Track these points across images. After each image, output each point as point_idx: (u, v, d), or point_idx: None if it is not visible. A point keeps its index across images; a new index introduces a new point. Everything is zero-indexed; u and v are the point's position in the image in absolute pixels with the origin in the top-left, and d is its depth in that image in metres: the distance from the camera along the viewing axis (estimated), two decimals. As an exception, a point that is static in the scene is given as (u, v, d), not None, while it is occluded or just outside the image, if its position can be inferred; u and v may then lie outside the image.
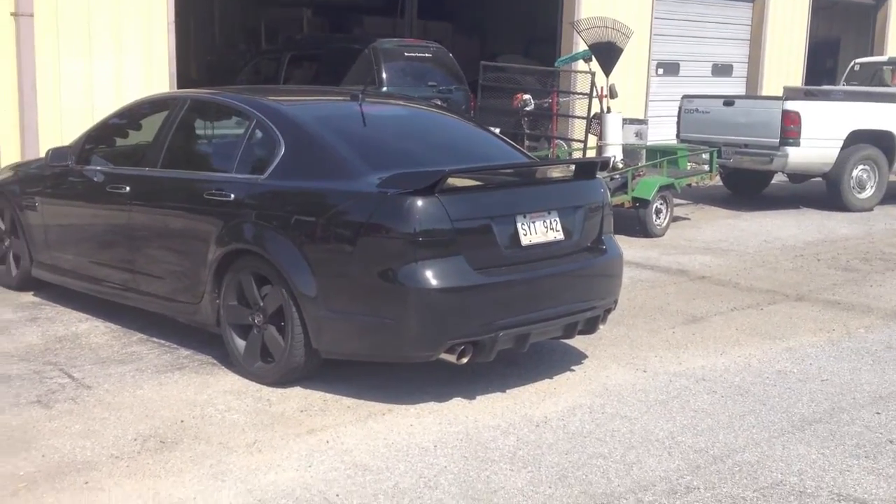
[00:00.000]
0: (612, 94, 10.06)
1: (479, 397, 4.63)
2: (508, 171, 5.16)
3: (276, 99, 5.59)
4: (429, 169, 4.55)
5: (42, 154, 8.16)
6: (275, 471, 3.80)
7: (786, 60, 16.47)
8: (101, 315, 5.99)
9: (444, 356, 4.42)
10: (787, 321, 6.21)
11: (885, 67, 13.90)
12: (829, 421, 4.40)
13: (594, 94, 10.03)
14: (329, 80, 10.84)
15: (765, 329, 6.00)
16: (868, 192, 11.36)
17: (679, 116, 12.03)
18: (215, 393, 4.69)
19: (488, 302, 4.46)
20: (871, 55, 17.03)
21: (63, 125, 8.58)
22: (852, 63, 14.14)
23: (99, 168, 5.92)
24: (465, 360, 4.46)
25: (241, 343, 4.91)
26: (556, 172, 5.58)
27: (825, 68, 19.21)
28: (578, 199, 4.99)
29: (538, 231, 4.69)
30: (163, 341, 5.49)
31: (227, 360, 5.11)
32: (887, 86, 13.16)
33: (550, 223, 4.75)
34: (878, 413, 4.52)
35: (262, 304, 4.76)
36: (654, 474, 3.79)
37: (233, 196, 4.91)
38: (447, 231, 4.34)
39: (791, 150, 10.77)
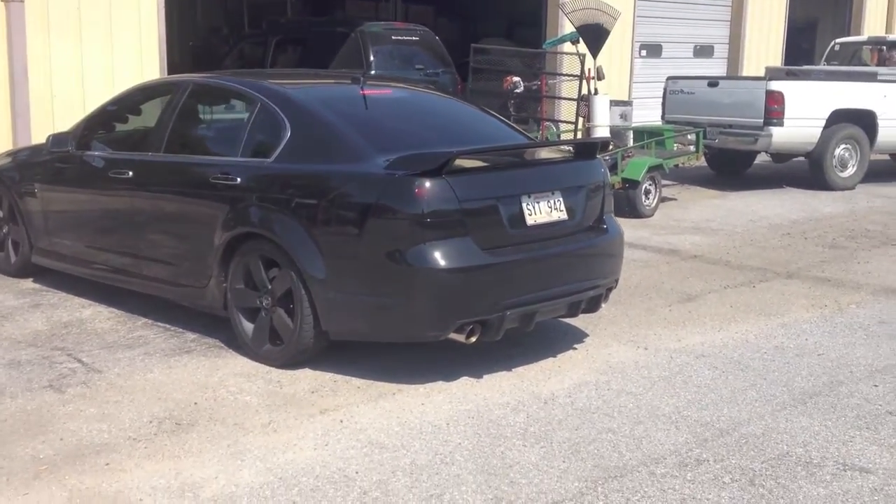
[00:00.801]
0: (600, 75, 10.15)
1: (486, 376, 4.71)
2: (513, 151, 5.20)
3: (279, 82, 5.60)
4: (434, 150, 4.61)
5: (35, 140, 8.14)
6: (292, 450, 3.86)
7: (765, 41, 16.63)
8: (103, 300, 6.01)
9: (453, 336, 4.49)
10: (780, 298, 6.34)
11: (864, 47, 14.08)
12: (829, 394, 4.53)
13: (583, 75, 10.10)
14: (316, 63, 10.83)
15: (759, 306, 6.13)
16: (850, 171, 11.53)
17: (664, 98, 12.14)
18: (226, 375, 4.74)
19: (496, 281, 4.52)
20: (848, 36, 17.22)
21: (55, 111, 8.55)
22: (832, 43, 14.32)
23: (100, 153, 5.91)
24: (473, 340, 4.53)
25: (249, 326, 4.94)
26: (556, 153, 5.64)
27: (802, 49, 19.39)
28: (581, 179, 5.05)
29: (542, 211, 4.75)
30: (168, 325, 5.52)
31: (234, 343, 5.16)
32: (867, 65, 13.32)
33: (554, 203, 4.81)
34: (875, 385, 4.66)
35: (269, 286, 4.79)
36: (664, 448, 3.90)
37: (239, 180, 4.94)
38: (455, 212, 4.40)
39: (775, 130, 10.91)
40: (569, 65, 11.00)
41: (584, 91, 10.19)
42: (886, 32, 18.48)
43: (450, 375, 4.69)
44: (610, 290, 5.21)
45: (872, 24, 18.75)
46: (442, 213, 4.37)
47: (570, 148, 5.63)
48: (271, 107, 5.05)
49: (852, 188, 11.47)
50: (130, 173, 5.53)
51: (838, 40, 14.44)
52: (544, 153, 5.64)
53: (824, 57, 14.24)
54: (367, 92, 5.32)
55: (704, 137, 10.75)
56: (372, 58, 10.65)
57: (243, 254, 4.92)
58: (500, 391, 4.52)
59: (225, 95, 5.73)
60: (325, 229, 4.60)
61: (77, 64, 8.73)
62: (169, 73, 9.19)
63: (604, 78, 10.33)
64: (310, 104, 5.08)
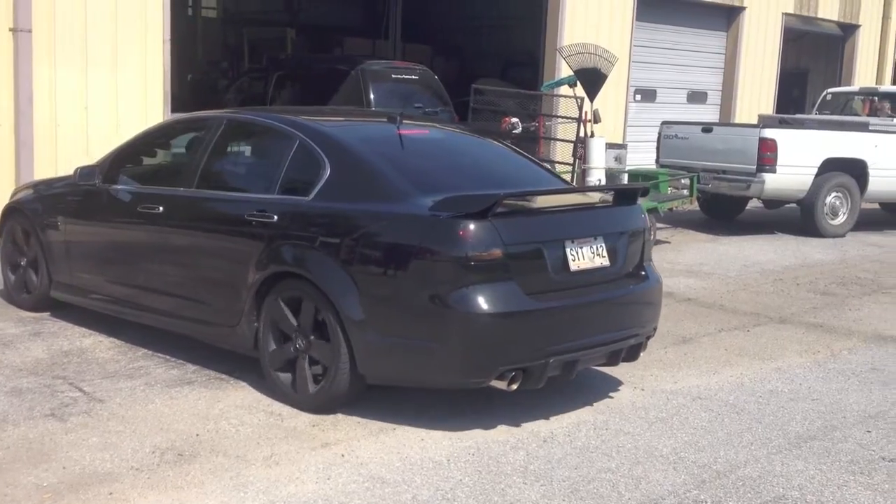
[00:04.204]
0: (596, 118, 10.31)
1: (485, 413, 4.75)
2: (555, 195, 5.14)
3: (317, 120, 5.53)
4: (476, 192, 4.54)
5: (39, 170, 8.21)
6: (294, 483, 3.89)
7: (758, 89, 16.92)
8: (103, 330, 6.03)
9: (494, 383, 4.39)
10: (774, 342, 6.42)
11: (856, 97, 14.33)
12: (824, 438, 4.59)
13: (580, 119, 10.26)
14: (317, 100, 10.97)
15: (753, 350, 6.20)
16: (841, 219, 11.70)
17: (659, 142, 12.31)
18: (227, 407, 4.76)
19: (540, 328, 4.43)
20: (839, 85, 17.53)
21: (58, 141, 8.61)
22: (824, 93, 14.58)
23: (129, 187, 5.82)
24: (514, 387, 4.42)
25: (286, 377, 4.81)
26: (595, 198, 5.47)
27: (793, 97, 19.72)
28: (622, 225, 4.98)
29: (585, 256, 4.67)
30: (168, 357, 5.55)
31: (235, 374, 5.21)
32: (859, 115, 13.56)
33: (597, 249, 4.73)
34: (868, 431, 4.72)
35: (302, 327, 4.68)
36: (662, 488, 3.94)
37: (276, 217, 4.83)
38: (500, 255, 4.30)
39: (767, 177, 11.08)
40: (565, 107, 11.18)
41: (581, 133, 10.35)
42: (877, 83, 18.83)
43: (448, 412, 4.73)
44: (648, 338, 5.12)
45: (863, 75, 19.12)
46: (487, 256, 4.28)
47: (610, 193, 5.44)
48: (309, 144, 4.98)
49: (843, 236, 11.62)
50: (161, 208, 5.43)
51: (830, 90, 14.72)
52: (585, 198, 5.53)
53: (816, 106, 14.50)
54: (404, 132, 5.21)
55: (698, 182, 10.90)
56: (372, 95, 10.79)
57: (278, 293, 4.79)
58: (499, 429, 4.56)
59: (260, 132, 5.59)
60: (365, 270, 4.49)
61: (81, 94, 8.80)
62: (171, 106, 9.30)
63: (600, 121, 10.50)
64: (349, 143, 5.02)
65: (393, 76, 11.47)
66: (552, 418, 4.72)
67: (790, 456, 4.34)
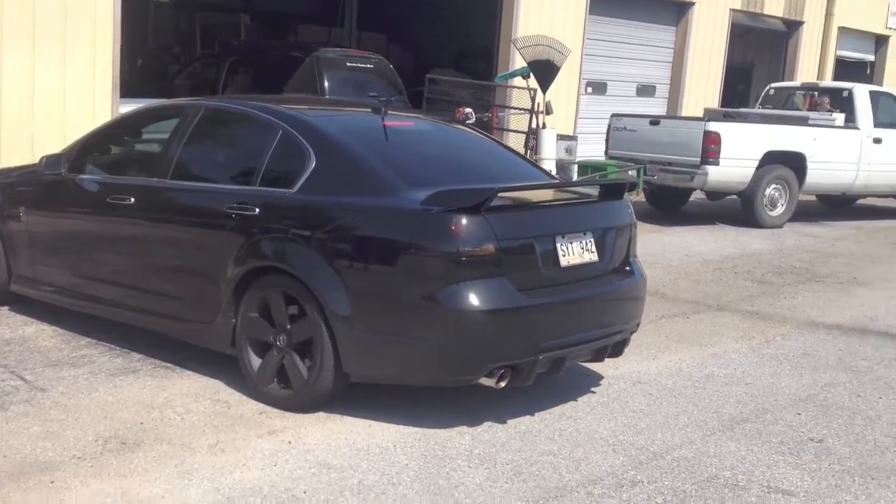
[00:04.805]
0: (549, 110, 10.45)
1: (431, 400, 4.82)
2: (545, 190, 5.14)
3: (300, 110, 5.38)
4: (463, 186, 4.47)
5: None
6: (240, 470, 3.92)
7: (705, 83, 17.22)
8: (46, 319, 5.97)
9: (482, 380, 4.33)
10: (711, 329, 6.61)
11: (798, 92, 14.66)
12: (756, 421, 4.76)
13: (533, 110, 10.38)
14: (270, 87, 10.91)
15: (691, 336, 6.38)
16: (779, 210, 12.01)
17: (608, 134, 12.48)
18: (172, 395, 4.77)
19: (530, 324, 4.38)
20: (783, 80, 17.92)
21: (1, 130, 8.45)
22: (767, 87, 14.87)
23: (97, 177, 5.60)
24: (503, 385, 4.37)
25: (256, 361, 4.71)
26: (583, 193, 5.35)
27: (737, 92, 20.09)
28: (610, 220, 4.95)
29: (575, 252, 4.63)
30: (112, 345, 5.52)
31: (182, 363, 5.21)
32: (799, 109, 13.89)
33: (586, 244, 4.70)
34: (798, 414, 4.91)
35: (288, 325, 4.56)
36: (601, 469, 4.07)
37: (257, 210, 4.68)
38: (493, 251, 4.23)
39: (711, 169, 11.31)
40: (518, 98, 11.30)
41: (533, 124, 10.47)
42: (819, 78, 19.28)
43: (394, 399, 4.78)
44: (632, 333, 5.13)
45: (806, 70, 19.56)
46: (480, 251, 4.20)
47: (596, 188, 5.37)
48: (293, 135, 4.82)
49: (781, 227, 11.93)
50: (132, 200, 5.24)
51: (773, 85, 15.02)
52: (573, 193, 5.44)
53: (759, 100, 14.79)
54: (389, 123, 5.10)
55: (645, 174, 11.10)
56: (326, 83, 10.76)
57: (258, 288, 4.67)
58: (444, 414, 4.64)
59: (240, 121, 5.34)
60: (353, 265, 4.38)
61: (28, 80, 8.64)
62: (120, 92, 9.19)
63: (552, 113, 10.64)
64: (335, 134, 4.86)
65: (348, 64, 11.44)
66: (496, 403, 4.81)
67: (723, 438, 4.50)
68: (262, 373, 4.68)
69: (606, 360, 4.89)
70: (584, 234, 4.71)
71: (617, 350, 4.96)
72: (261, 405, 4.66)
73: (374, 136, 4.98)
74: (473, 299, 4.17)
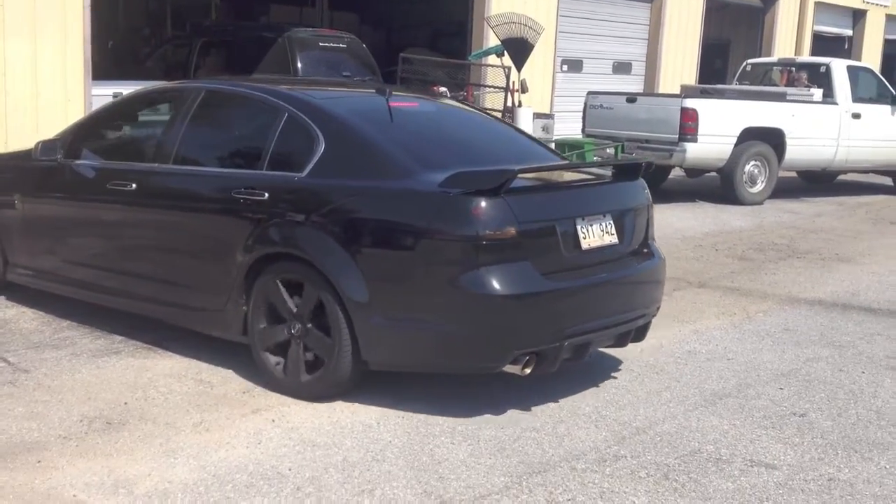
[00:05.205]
0: (524, 88, 10.44)
1: (414, 378, 4.82)
2: (564, 171, 5.02)
3: (306, 91, 5.25)
4: (477, 168, 4.38)
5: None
6: (225, 448, 3.92)
7: (681, 60, 17.25)
8: (26, 302, 5.93)
9: (507, 367, 4.24)
10: (693, 306, 6.66)
11: (775, 68, 14.73)
12: (738, 395, 4.81)
13: (507, 88, 10.36)
14: (242, 68, 10.83)
15: (673, 313, 6.41)
16: (759, 187, 12.08)
17: (584, 112, 12.49)
18: (155, 376, 4.75)
19: (555, 309, 4.29)
20: (760, 56, 17.99)
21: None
22: (744, 63, 14.92)
23: (96, 163, 5.48)
24: (528, 371, 4.26)
25: (269, 350, 4.60)
26: (600, 174, 5.21)
27: (714, 68, 20.16)
28: (628, 202, 4.84)
29: (595, 234, 4.52)
30: (93, 328, 5.48)
31: (164, 344, 5.18)
32: (777, 85, 13.96)
33: (605, 226, 4.59)
34: (780, 388, 4.96)
35: (302, 313, 4.44)
36: (585, 445, 4.09)
37: (267, 195, 4.55)
38: (514, 234, 4.12)
39: (689, 146, 11.36)
40: (493, 77, 11.27)
41: (509, 103, 10.45)
42: (796, 54, 19.38)
43: (377, 379, 4.77)
44: (653, 317, 5.02)
45: (782, 46, 19.64)
46: (501, 235, 4.10)
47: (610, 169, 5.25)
48: (300, 117, 4.69)
49: (761, 203, 12.01)
50: (134, 185, 5.09)
51: (750, 61, 15.07)
52: (591, 174, 5.28)
53: (736, 76, 14.84)
54: (395, 104, 4.98)
55: (622, 151, 11.12)
56: (299, 63, 10.69)
57: (272, 274, 4.54)
58: (427, 392, 4.65)
59: (244, 104, 5.18)
60: (369, 250, 4.27)
61: (-1, 62, 8.54)
62: (92, 74, 9.08)
63: (527, 91, 10.64)
64: (343, 116, 4.74)
65: (320, 44, 11.38)
66: (477, 383, 4.82)
67: (706, 412, 4.54)
68: (277, 362, 4.57)
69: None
70: (604, 215, 4.60)
71: (639, 335, 4.87)
72: (244, 385, 4.65)
73: (381, 118, 4.83)
74: (497, 284, 4.07)
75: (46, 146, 5.59)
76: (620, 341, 4.77)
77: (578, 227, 4.44)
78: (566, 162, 5.29)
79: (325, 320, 4.36)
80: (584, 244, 4.45)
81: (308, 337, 4.45)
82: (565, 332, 4.29)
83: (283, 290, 4.52)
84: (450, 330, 4.15)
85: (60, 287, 5.64)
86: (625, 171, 5.04)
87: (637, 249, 4.85)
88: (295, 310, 4.47)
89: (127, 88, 9.95)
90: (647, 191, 5.07)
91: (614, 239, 4.63)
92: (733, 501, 3.61)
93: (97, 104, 9.29)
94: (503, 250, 4.12)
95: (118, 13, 16.09)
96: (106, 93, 9.64)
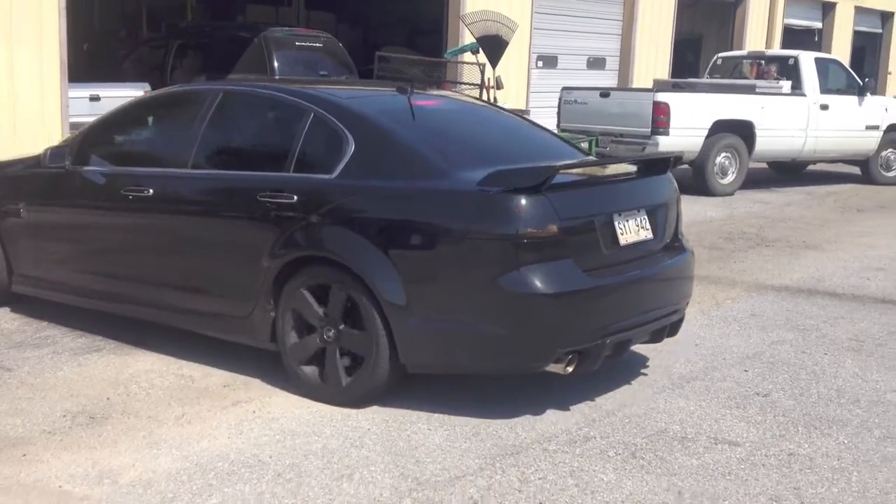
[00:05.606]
0: (499, 85, 10.57)
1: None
2: (600, 167, 5.04)
3: (330, 91, 5.18)
4: (510, 166, 4.34)
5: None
6: (207, 439, 4.03)
7: (654, 54, 17.46)
8: (4, 303, 5.98)
9: (550, 366, 4.23)
10: (664, 294, 6.81)
11: (745, 61, 14.96)
12: (704, 378, 4.97)
13: (483, 85, 10.49)
14: (218, 68, 10.87)
15: (644, 302, 6.57)
16: (730, 178, 12.30)
17: (559, 107, 12.66)
18: (137, 372, 4.85)
19: (597, 307, 4.29)
20: (731, 50, 18.23)
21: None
22: (715, 57, 15.14)
23: (107, 169, 5.36)
24: (570, 370, 4.25)
25: (293, 339, 4.53)
26: (631, 169, 5.08)
27: (687, 62, 20.39)
28: (660, 196, 4.84)
29: (631, 230, 4.52)
30: (74, 327, 5.56)
31: (144, 342, 5.27)
32: (747, 78, 14.18)
33: (640, 221, 4.59)
34: (745, 370, 5.13)
35: (335, 316, 4.37)
36: (556, 428, 4.24)
37: (296, 198, 4.47)
38: (556, 232, 4.10)
39: (661, 139, 11.55)
40: (468, 74, 11.40)
41: (484, 99, 10.58)
42: (766, 47, 19.63)
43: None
44: (684, 312, 5.02)
45: (753, 40, 19.89)
46: (544, 232, 4.08)
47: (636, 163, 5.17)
48: (327, 118, 4.63)
49: (732, 194, 12.23)
50: (151, 191, 4.98)
51: (721, 54, 15.29)
52: (623, 169, 5.16)
53: (707, 70, 15.06)
54: (419, 103, 4.93)
55: (597, 145, 11.29)
56: (276, 63, 10.79)
57: (301, 279, 4.46)
58: (405, 382, 4.76)
59: (265, 105, 5.11)
60: (407, 251, 4.22)
61: (-26, 66, 8.57)
62: (69, 76, 9.13)
63: (503, 87, 10.76)
64: (371, 116, 4.69)
65: (297, 44, 11.47)
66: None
67: (673, 395, 4.70)
68: (308, 367, 4.50)
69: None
70: (639, 210, 4.60)
71: (674, 330, 4.87)
72: (225, 378, 4.76)
73: (407, 117, 4.77)
74: (541, 283, 4.04)
75: (55, 153, 5.46)
76: (655, 337, 4.75)
77: (616, 223, 4.44)
78: (591, 157, 5.24)
79: (357, 322, 4.32)
80: (622, 240, 4.45)
81: (343, 339, 4.38)
82: (608, 329, 4.28)
83: (311, 295, 4.45)
84: (492, 331, 4.10)
85: (71, 297, 5.50)
86: (653, 166, 5.02)
87: (669, 244, 4.87)
88: (325, 315, 4.41)
89: (103, 91, 10.08)
90: (675, 184, 5.09)
91: (649, 234, 4.63)
92: (697, 477, 3.76)
93: (74, 106, 9.39)
94: (546, 248, 4.09)
95: (93, 16, 16.11)
96: (82, 95, 9.73)
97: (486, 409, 4.42)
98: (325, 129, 4.63)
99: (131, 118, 5.70)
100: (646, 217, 4.63)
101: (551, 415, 4.38)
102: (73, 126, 9.45)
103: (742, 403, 4.62)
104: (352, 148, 4.49)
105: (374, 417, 4.29)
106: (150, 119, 5.65)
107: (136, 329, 5.37)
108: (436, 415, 4.35)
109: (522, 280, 4.02)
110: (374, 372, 4.28)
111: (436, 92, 6.49)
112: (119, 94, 10.16)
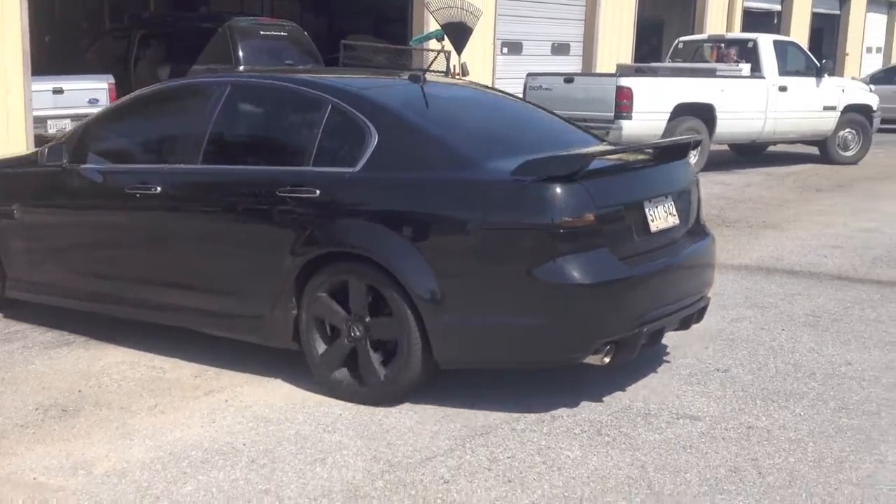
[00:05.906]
0: (464, 72, 10.64)
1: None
2: (631, 154, 4.98)
3: (347, 81, 5.08)
4: (537, 155, 4.23)
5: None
6: (180, 428, 4.09)
7: (617, 40, 17.62)
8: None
9: (588, 358, 4.17)
10: (628, 276, 6.94)
11: (705, 45, 15.15)
12: (665, 356, 5.10)
13: (448, 72, 10.55)
14: (182, 58, 10.87)
15: (609, 284, 6.70)
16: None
17: (524, 93, 12.73)
18: (108, 364, 4.89)
19: (634, 295, 4.24)
20: (692, 34, 18.43)
21: None
22: (676, 41, 15.31)
23: (108, 167, 5.18)
24: (607, 361, 4.19)
25: (321, 347, 4.44)
26: (650, 155, 5.02)
27: (650, 47, 20.58)
28: (683, 182, 4.81)
29: (661, 216, 4.47)
30: (42, 322, 5.57)
31: (114, 335, 5.30)
32: (707, 62, 14.37)
33: (668, 207, 4.55)
34: (706, 347, 5.27)
35: (363, 313, 4.28)
36: (523, 408, 4.34)
37: (318, 192, 4.35)
38: (593, 220, 4.04)
39: (625, 123, 11.70)
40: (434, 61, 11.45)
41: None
42: (727, 31, 19.87)
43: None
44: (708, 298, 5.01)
45: (714, 23, 20.14)
46: (580, 221, 4.00)
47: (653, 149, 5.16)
48: (347, 109, 4.50)
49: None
50: (158, 189, 4.81)
51: (682, 39, 15.47)
52: (646, 155, 5.07)
53: (669, 54, 15.23)
54: (435, 92, 4.88)
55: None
56: (241, 53, 10.77)
57: (326, 276, 4.34)
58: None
59: (278, 97, 4.92)
60: (439, 245, 4.12)
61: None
62: (31, 69, 9.05)
63: (468, 74, 10.83)
64: (393, 106, 4.57)
65: (261, 33, 11.46)
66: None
67: (636, 374, 4.82)
68: (335, 368, 4.42)
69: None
70: (667, 196, 4.57)
71: (700, 316, 4.84)
72: (197, 369, 4.81)
73: (426, 106, 4.69)
74: (579, 273, 3.98)
75: (52, 150, 5.27)
76: (684, 324, 4.71)
77: (647, 210, 4.40)
78: (630, 145, 5.26)
79: (392, 321, 4.22)
80: (653, 227, 4.41)
81: (373, 330, 4.28)
82: (644, 318, 4.23)
83: (339, 290, 4.35)
84: (530, 323, 4.04)
85: (70, 301, 5.35)
86: (673, 151, 4.99)
87: (692, 229, 4.85)
88: (356, 311, 4.30)
89: (67, 83, 10.01)
90: (693, 168, 5.05)
91: (676, 220, 4.61)
92: (660, 451, 3.89)
93: (37, 99, 9.31)
94: (582, 237, 4.03)
95: (54, 7, 15.91)
96: (46, 88, 9.66)
97: (454, 393, 4.51)
98: (344, 121, 4.50)
99: (132, 113, 5.50)
100: (672, 203, 4.60)
101: (518, 397, 4.49)
102: (37, 120, 9.40)
103: (703, 379, 4.76)
104: (375, 139, 4.36)
105: (346, 403, 4.37)
106: (154, 114, 5.47)
107: (104, 324, 5.39)
108: (406, 398, 4.43)
109: (560, 270, 3.96)
110: (407, 369, 4.21)
111: (448, 81, 6.33)
112: (83, 87, 10.14)
